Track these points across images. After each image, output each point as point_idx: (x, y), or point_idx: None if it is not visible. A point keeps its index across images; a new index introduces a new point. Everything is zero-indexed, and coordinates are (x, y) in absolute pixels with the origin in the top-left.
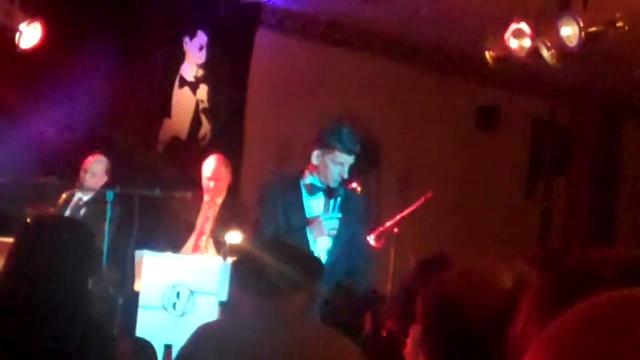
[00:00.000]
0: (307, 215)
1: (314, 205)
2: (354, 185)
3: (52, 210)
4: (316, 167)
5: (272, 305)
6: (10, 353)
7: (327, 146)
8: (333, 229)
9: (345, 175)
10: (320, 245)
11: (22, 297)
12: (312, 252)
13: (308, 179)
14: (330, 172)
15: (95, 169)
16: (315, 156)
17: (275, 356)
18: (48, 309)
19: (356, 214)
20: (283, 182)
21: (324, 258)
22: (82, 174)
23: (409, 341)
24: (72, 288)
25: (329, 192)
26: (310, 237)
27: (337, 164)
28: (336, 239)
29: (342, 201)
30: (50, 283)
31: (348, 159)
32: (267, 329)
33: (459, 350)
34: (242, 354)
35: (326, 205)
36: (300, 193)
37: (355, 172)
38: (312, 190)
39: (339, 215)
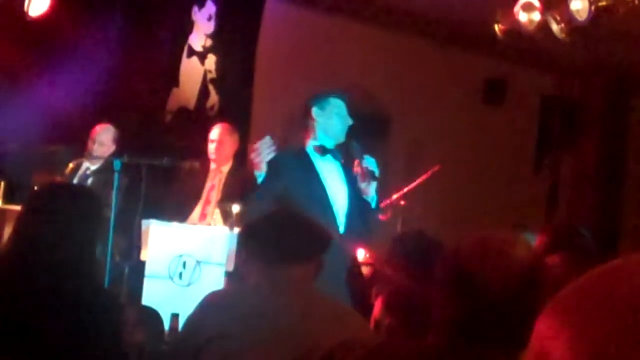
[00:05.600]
0: (322, 178)
1: (326, 167)
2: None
3: (59, 178)
4: (319, 125)
5: (279, 273)
6: (16, 319)
7: (321, 99)
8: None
9: (350, 122)
10: (339, 203)
11: (30, 264)
12: (320, 223)
13: (313, 142)
14: (334, 122)
15: (103, 138)
16: (316, 113)
17: (282, 324)
18: (55, 276)
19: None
20: (292, 152)
21: (343, 222)
22: (90, 143)
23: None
24: (79, 255)
25: (337, 151)
26: (331, 200)
27: (338, 113)
28: (351, 202)
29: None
30: (58, 250)
31: (344, 106)
32: (274, 297)
33: (474, 317)
34: (249, 322)
35: (338, 164)
36: (311, 159)
37: (363, 144)
38: (322, 151)
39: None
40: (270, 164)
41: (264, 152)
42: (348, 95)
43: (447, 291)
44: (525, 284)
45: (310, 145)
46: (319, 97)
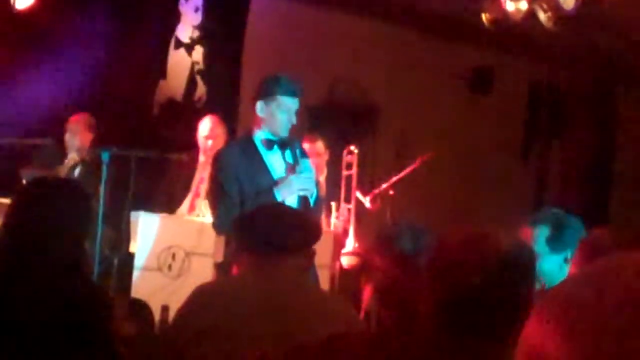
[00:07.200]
0: (271, 171)
1: (274, 160)
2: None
3: (49, 172)
4: (263, 120)
5: (270, 265)
6: (5, 313)
7: (268, 94)
8: (304, 189)
9: (294, 121)
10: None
11: (19, 258)
12: (310, 215)
13: (261, 134)
14: (278, 120)
15: (76, 125)
16: (259, 109)
17: (273, 316)
18: (44, 269)
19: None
20: (239, 144)
21: None
22: (66, 134)
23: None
24: (68, 249)
25: (283, 145)
26: (278, 196)
27: (283, 111)
28: (301, 197)
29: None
30: (47, 244)
31: (292, 103)
32: (265, 288)
33: (456, 308)
34: (240, 314)
35: (283, 157)
36: (259, 150)
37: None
38: (269, 144)
39: (310, 174)
40: (217, 158)
41: None
42: (300, 87)
43: (431, 281)
44: (507, 273)
45: (258, 136)
46: (265, 90)
